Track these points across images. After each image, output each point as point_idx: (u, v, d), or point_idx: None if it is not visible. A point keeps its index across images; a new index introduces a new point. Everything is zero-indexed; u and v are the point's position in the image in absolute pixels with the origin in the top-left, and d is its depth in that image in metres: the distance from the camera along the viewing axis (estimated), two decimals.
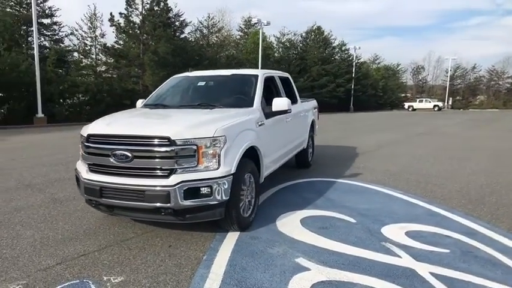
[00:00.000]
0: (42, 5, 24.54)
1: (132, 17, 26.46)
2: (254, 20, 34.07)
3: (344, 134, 14.66)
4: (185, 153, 3.35)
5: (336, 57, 48.40)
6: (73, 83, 21.45)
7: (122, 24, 26.21)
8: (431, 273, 2.97)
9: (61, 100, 21.57)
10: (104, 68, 26.71)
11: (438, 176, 6.53)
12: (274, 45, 43.75)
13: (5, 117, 19.45)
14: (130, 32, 26.45)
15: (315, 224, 4.11)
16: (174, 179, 3.31)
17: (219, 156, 3.46)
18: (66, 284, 2.88)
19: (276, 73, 5.81)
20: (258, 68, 34.66)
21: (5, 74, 18.73)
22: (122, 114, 4.35)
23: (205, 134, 3.42)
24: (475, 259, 3.23)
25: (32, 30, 22.72)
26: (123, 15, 26.02)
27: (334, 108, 44.19)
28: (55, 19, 25.39)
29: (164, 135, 3.35)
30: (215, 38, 38.53)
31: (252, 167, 4.07)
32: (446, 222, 4.18)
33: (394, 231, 3.88)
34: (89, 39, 26.63)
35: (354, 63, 48.48)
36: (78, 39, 26.13)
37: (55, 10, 25.08)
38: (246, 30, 44.88)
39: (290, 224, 4.13)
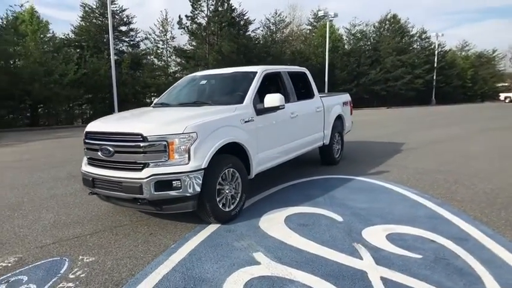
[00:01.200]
0: (120, 14, 27.22)
1: (197, 19, 27.95)
2: (321, 13, 33.35)
3: (402, 129, 13.71)
4: (156, 148, 3.60)
5: (414, 46, 44.96)
6: (146, 84, 23.49)
7: (189, 27, 27.81)
8: (382, 278, 2.78)
9: (134, 100, 23.78)
10: (174, 69, 28.70)
11: (474, 176, 5.83)
12: (344, 37, 42.22)
13: (90, 116, 22.19)
14: (196, 33, 27.95)
15: (298, 221, 4.07)
16: (146, 172, 3.59)
17: (189, 151, 3.64)
18: (49, 259, 3.34)
19: (286, 69, 5.77)
20: (324, 62, 34.06)
21: (89, 78, 21.34)
22: (120, 114, 4.79)
23: (175, 130, 3.63)
24: (444, 267, 2.92)
25: (114, 36, 25.40)
26: (189, 17, 27.61)
27: (411, 102, 41.21)
28: (132, 26, 27.98)
29: (137, 132, 3.65)
30: (282, 34, 38.64)
31: (235, 162, 4.17)
32: (443, 226, 3.80)
33: (376, 233, 3.66)
34: (161, 42, 28.84)
35: (436, 52, 44.48)
36: (152, 43, 28.48)
37: (132, 18, 27.68)
38: (315, 23, 44.08)
39: (274, 220, 4.14)
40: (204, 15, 28.11)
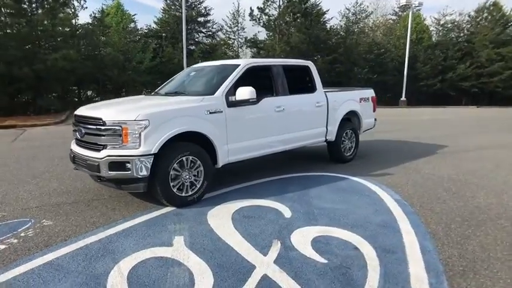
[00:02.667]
0: (198, 6, 28.79)
1: (269, 10, 28.17)
2: (403, 1, 30.85)
3: (462, 131, 12.29)
4: (113, 132, 4.01)
5: None
6: None
7: (261, 18, 28.21)
8: (263, 276, 2.78)
9: None
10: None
11: (485, 187, 5.13)
12: (432, 28, 38.52)
13: None
14: (267, 24, 28.23)
15: (246, 213, 4.14)
16: (103, 153, 4.03)
17: (140, 137, 3.97)
18: (19, 220, 4.00)
19: (280, 62, 5.71)
20: (405, 55, 31.57)
21: (164, 66, 23.21)
22: (107, 101, 5.31)
23: (128, 117, 3.99)
24: (336, 276, 2.78)
25: (190, 28, 27.09)
26: (261, 9, 27.97)
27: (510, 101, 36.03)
28: (209, 17, 29.42)
29: (99, 117, 4.10)
30: (361, 25, 36.80)
31: (196, 150, 4.39)
32: (385, 237, 3.52)
33: (307, 233, 3.58)
34: (232, 33, 29.81)
35: None
36: (224, 34, 29.61)
37: (209, 9, 29.09)
38: (400, 13, 40.98)
39: (224, 209, 4.27)
40: (276, 6, 28.25)
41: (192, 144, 4.41)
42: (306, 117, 5.91)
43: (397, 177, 5.72)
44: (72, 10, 19.48)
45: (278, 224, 3.83)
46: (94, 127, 4.15)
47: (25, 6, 17.58)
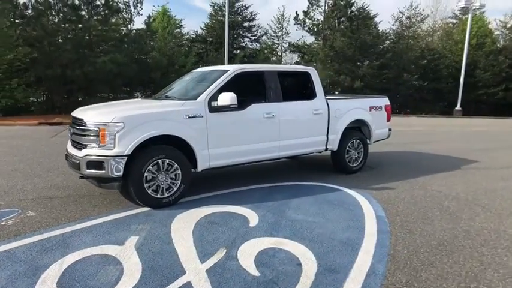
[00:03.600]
0: (244, 11, 29.30)
1: (314, 14, 27.82)
2: (461, 4, 28.73)
3: (505, 146, 11.17)
4: (92, 133, 4.25)
5: None
6: None
7: (305, 22, 27.96)
8: (185, 283, 2.78)
9: None
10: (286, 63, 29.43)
11: (490, 210, 4.62)
12: (497, 32, 35.40)
13: None
14: (312, 28, 27.92)
15: (213, 219, 4.15)
16: (83, 152, 4.28)
17: (115, 138, 4.15)
18: (10, 209, 4.38)
19: (274, 68, 5.63)
20: (462, 61, 29.33)
21: None
22: (101, 103, 5.60)
23: (105, 119, 4.20)
24: None
25: (235, 33, 27.67)
26: (306, 13, 27.72)
27: None
28: (254, 22, 29.81)
29: (81, 118, 4.37)
30: (415, 29, 34.90)
31: (173, 154, 4.49)
32: (340, 253, 3.33)
33: (257, 244, 3.49)
34: (276, 38, 29.87)
35: None
36: (268, 39, 29.78)
37: (254, 14, 29.49)
38: (460, 16, 38.21)
39: (194, 214, 4.29)
40: (322, 10, 27.84)
41: (170, 147, 4.52)
42: (302, 124, 5.77)
43: (396, 192, 5.37)
44: (128, 16, 20.87)
45: (237, 232, 3.78)
46: (78, 127, 4.43)
47: (83, 13, 19.17)
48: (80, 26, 18.37)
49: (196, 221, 4.07)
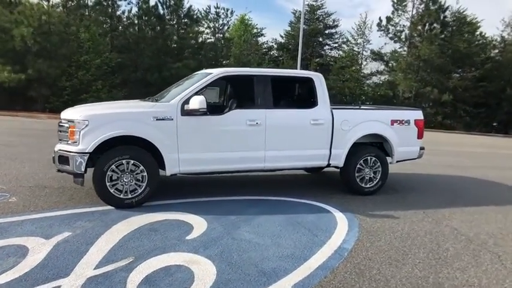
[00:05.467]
0: (327, 18, 28.55)
1: (400, 20, 25.65)
2: None
3: None
4: (64, 129, 4.48)
5: None
6: (329, 86, 24.03)
7: (390, 29, 25.96)
8: None
9: None
10: (365, 72, 27.70)
11: (493, 260, 3.54)
12: None
13: None
14: (396, 35, 25.78)
15: (157, 226, 4.00)
16: (57, 147, 4.54)
17: (80, 135, 4.31)
18: (3, 194, 4.86)
19: (267, 72, 5.22)
20: None
21: None
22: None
23: (73, 117, 4.39)
24: None
25: (315, 41, 27.18)
26: (390, 19, 25.71)
27: None
28: (336, 29, 28.85)
29: (60, 115, 4.64)
30: None
31: (138, 155, 4.47)
32: (250, 285, 2.87)
33: (167, 259, 3.22)
34: (356, 45, 28.32)
35: None
36: (348, 46, 28.41)
37: (337, 21, 28.55)
38: None
39: (145, 218, 4.18)
40: (409, 16, 25.55)
41: (136, 148, 4.51)
42: (295, 135, 5.25)
43: (395, 222, 4.51)
44: (217, 25, 22.10)
45: (166, 243, 3.56)
46: (58, 123, 4.71)
47: (170, 25, 20.92)
48: (162, 34, 19.99)
49: (138, 226, 3.96)
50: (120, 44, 19.01)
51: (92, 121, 4.31)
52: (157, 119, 4.53)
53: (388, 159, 5.97)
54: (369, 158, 5.73)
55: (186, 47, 20.89)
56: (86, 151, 4.28)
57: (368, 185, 5.79)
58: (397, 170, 7.20)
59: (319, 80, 5.47)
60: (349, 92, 25.81)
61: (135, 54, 19.46)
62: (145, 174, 4.52)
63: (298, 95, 5.55)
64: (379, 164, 5.80)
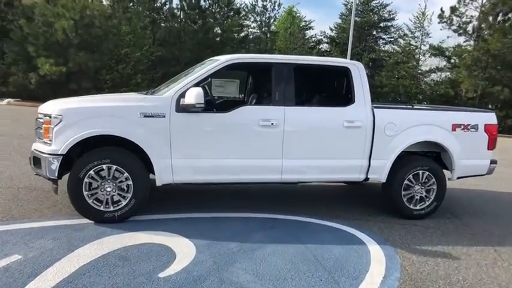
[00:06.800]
0: (382, 10, 26.34)
1: (466, 10, 22.77)
2: None
3: None
4: (40, 125, 3.78)
5: None
6: (381, 83, 22.10)
7: (454, 20, 23.19)
8: None
9: None
10: (424, 69, 25.10)
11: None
12: None
13: None
14: (461, 27, 22.95)
15: (131, 254, 3.15)
16: (33, 146, 3.85)
17: (53, 133, 3.57)
18: None
19: (291, 60, 4.14)
20: None
21: None
22: None
23: (48, 111, 3.66)
24: None
25: (369, 34, 25.30)
26: (455, 9, 22.93)
27: None
28: (393, 22, 26.54)
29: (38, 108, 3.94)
30: None
31: (123, 160, 3.66)
32: None
33: None
34: (413, 39, 25.72)
35: None
36: (404, 40, 25.94)
37: (393, 14, 26.21)
38: None
39: (121, 240, 3.38)
40: (478, 5, 22.59)
41: (119, 151, 3.69)
42: (323, 140, 4.13)
43: (448, 266, 3.26)
44: (264, 19, 21.22)
45: (130, 282, 2.68)
46: (36, 118, 4.01)
47: (212, 17, 20.37)
48: (203, 27, 19.48)
49: (108, 251, 3.13)
50: (161, 37, 18.77)
51: (66, 116, 3.55)
52: (145, 116, 3.66)
53: (447, 173, 4.62)
54: (420, 172, 4.43)
55: (229, 41, 20.20)
56: (59, 152, 3.53)
57: (418, 207, 4.50)
58: (456, 185, 5.74)
59: (357, 71, 4.27)
60: (404, 90, 23.58)
61: (176, 47, 19.12)
62: (130, 182, 3.69)
63: (329, 88, 4.43)
64: (433, 180, 4.48)
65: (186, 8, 19.20)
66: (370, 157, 4.27)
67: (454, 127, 4.49)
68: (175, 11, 19.15)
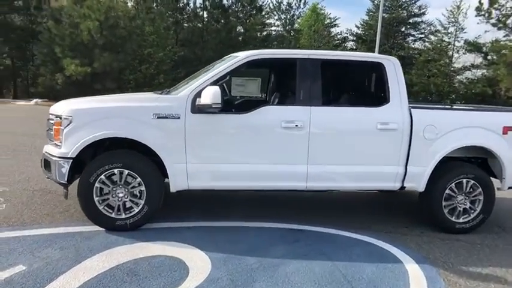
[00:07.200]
0: (412, 5, 25.30)
1: (507, 2, 21.29)
2: None
3: None
4: (51, 126, 3.59)
5: None
6: (411, 81, 21.19)
7: (491, 13, 21.77)
8: None
9: None
10: (458, 65, 23.82)
11: None
12: None
13: None
14: (501, 20, 21.52)
15: (141, 267, 2.88)
16: (44, 148, 3.67)
17: (63, 135, 3.36)
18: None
19: (319, 55, 3.76)
20: None
21: None
22: None
23: (59, 111, 3.47)
24: None
25: (397, 31, 24.38)
26: (491, 1, 21.52)
27: None
28: (423, 18, 25.42)
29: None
30: None
31: (136, 164, 3.41)
32: None
33: None
34: (446, 35, 24.44)
35: None
36: (436, 37, 24.72)
37: (424, 9, 25.09)
38: None
39: (132, 251, 3.13)
40: None
41: (131, 154, 3.44)
42: (354, 144, 3.72)
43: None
44: (288, 17, 20.80)
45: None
46: (48, 119, 3.83)
47: (235, 16, 20.16)
48: (226, 26, 19.28)
49: (117, 264, 2.88)
50: (184, 37, 18.72)
51: (76, 117, 3.33)
52: (158, 117, 3.38)
53: (495, 182, 4.10)
54: (464, 180, 3.94)
55: (251, 39, 19.90)
56: (69, 156, 3.31)
57: (461, 220, 4.00)
58: (505, 194, 5.16)
59: (392, 66, 3.84)
60: (436, 89, 22.48)
61: (199, 47, 19.01)
62: (143, 188, 3.43)
63: (360, 87, 4.01)
64: (480, 189, 3.97)
65: (209, 7, 19.05)
66: (407, 163, 3.82)
67: (506, 130, 3.96)
68: (198, 10, 19.03)
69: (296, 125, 3.53)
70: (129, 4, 19.09)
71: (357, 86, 4.16)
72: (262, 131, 3.55)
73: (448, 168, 3.96)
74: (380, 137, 3.72)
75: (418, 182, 3.88)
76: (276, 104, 3.94)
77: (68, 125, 3.32)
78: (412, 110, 3.80)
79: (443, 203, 3.95)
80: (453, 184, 3.93)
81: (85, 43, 16.08)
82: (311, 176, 3.66)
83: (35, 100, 17.65)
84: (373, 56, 4.00)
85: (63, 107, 3.49)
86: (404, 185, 3.89)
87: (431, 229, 4.02)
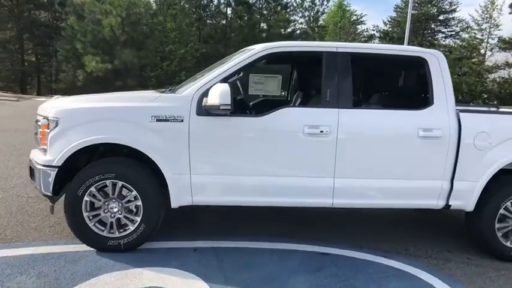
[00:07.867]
0: (442, 1, 23.98)
1: None
2: None
3: None
4: (38, 129, 3.15)
5: None
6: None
7: None
8: None
9: None
10: (491, 64, 22.35)
11: None
12: None
13: None
14: None
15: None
16: (31, 154, 3.24)
17: (48, 140, 2.91)
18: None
19: (348, 48, 3.15)
20: None
21: None
22: None
23: (46, 112, 3.01)
24: None
25: (427, 28, 23.21)
26: None
27: None
28: (454, 14, 24.06)
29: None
30: None
31: (129, 175, 2.92)
32: None
33: None
34: (480, 32, 22.96)
35: None
36: (468, 34, 23.30)
37: (455, 5, 23.72)
38: None
39: (120, 281, 2.64)
40: None
41: (126, 164, 2.96)
42: (390, 153, 3.10)
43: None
44: (312, 14, 20.16)
45: None
46: (36, 121, 3.39)
47: (258, 13, 19.56)
48: (248, 22, 18.77)
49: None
50: (207, 34, 18.34)
51: (63, 119, 2.87)
52: (158, 119, 2.88)
53: None
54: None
55: (275, 36, 19.27)
56: (54, 164, 2.85)
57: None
58: None
59: (437, 63, 3.18)
60: (468, 88, 21.18)
61: (222, 44, 18.56)
62: (139, 203, 2.94)
63: (398, 86, 3.38)
64: None
65: (233, 3, 18.58)
66: (453, 177, 3.17)
67: None
68: (222, 6, 18.61)
69: (321, 131, 2.95)
70: (151, 0, 18.95)
71: (394, 85, 3.53)
72: (280, 137, 2.98)
73: (502, 183, 3.28)
74: (422, 146, 3.09)
75: (466, 199, 3.22)
76: (297, 105, 3.39)
77: (54, 128, 2.87)
78: (460, 114, 3.14)
79: (496, 225, 3.28)
80: (509, 203, 3.26)
81: (106, 39, 15.94)
82: (338, 191, 3.07)
83: (56, 96, 17.65)
84: (414, 50, 3.34)
85: (50, 107, 3.04)
86: (450, 203, 3.24)
87: (480, 254, 3.36)
